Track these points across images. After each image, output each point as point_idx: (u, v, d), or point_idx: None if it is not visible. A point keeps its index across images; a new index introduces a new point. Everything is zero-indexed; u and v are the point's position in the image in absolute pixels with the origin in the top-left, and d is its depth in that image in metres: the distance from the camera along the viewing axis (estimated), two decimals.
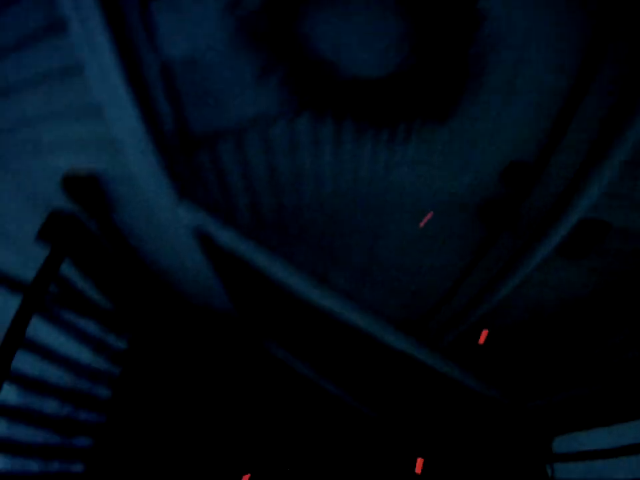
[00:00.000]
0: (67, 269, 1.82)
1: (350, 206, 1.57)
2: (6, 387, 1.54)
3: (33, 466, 2.13)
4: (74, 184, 1.49)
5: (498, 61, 1.26)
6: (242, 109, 1.42)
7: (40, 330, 1.73)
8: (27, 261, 2.27)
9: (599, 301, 1.53)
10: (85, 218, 1.64)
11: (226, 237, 1.42)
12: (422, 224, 1.48)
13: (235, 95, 1.42)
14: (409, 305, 1.74)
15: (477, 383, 1.21)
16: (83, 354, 2.31)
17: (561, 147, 1.31)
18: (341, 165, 1.47)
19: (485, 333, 1.60)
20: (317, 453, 2.20)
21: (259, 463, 2.16)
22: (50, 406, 2.20)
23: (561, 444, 2.17)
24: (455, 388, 1.27)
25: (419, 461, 1.89)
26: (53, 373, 2.28)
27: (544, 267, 1.42)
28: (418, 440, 2.10)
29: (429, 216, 1.48)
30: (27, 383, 1.67)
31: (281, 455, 2.19)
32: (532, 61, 1.25)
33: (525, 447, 2.08)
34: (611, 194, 1.29)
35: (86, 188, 1.48)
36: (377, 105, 1.31)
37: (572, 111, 1.25)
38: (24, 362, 1.75)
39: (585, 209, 1.30)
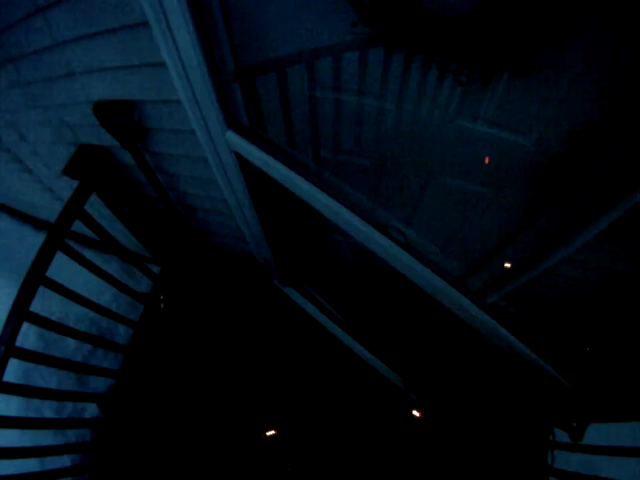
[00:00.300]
0: (95, 207, 1.73)
1: (409, 149, 1.48)
2: (24, 328, 1.48)
3: (47, 411, 2.13)
4: (107, 111, 1.35)
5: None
6: (306, 36, 1.29)
7: (62, 268, 1.65)
8: (54, 199, 2.19)
9: None
10: (117, 149, 1.52)
11: (278, 169, 1.25)
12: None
13: (300, 20, 1.27)
14: (451, 259, 1.65)
15: (531, 353, 1.12)
16: (104, 295, 2.27)
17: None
18: (407, 104, 1.37)
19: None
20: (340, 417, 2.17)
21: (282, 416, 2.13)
22: (68, 347, 2.18)
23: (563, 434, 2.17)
24: (502, 355, 1.18)
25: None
26: (73, 313, 2.25)
27: (592, 247, 1.34)
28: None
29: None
30: (46, 324, 1.60)
31: (306, 412, 2.16)
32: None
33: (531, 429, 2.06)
34: None
35: (120, 115, 1.35)
36: (457, 44, 1.17)
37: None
38: (42, 302, 1.69)
39: None
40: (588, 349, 1.49)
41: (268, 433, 2.10)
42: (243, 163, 1.35)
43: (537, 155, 1.40)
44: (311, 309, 2.19)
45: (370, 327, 2.04)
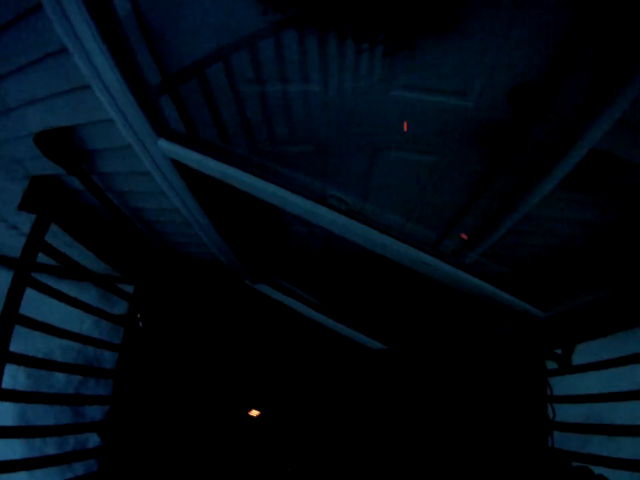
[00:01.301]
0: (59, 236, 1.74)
1: (347, 128, 1.47)
2: (13, 370, 1.48)
3: (50, 448, 2.12)
4: (48, 140, 1.36)
5: None
6: (220, 31, 1.30)
7: (41, 302, 1.65)
8: (20, 235, 2.18)
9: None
10: (66, 176, 1.53)
11: (213, 167, 1.27)
12: None
13: (211, 17, 1.27)
14: (418, 227, 1.67)
15: (505, 295, 1.16)
16: (85, 323, 2.27)
17: (572, 67, 1.21)
18: (335, 83, 1.36)
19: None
20: (325, 391, 2.19)
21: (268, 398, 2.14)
22: (58, 381, 2.18)
23: (559, 385, 2.21)
24: (478, 304, 1.21)
25: None
26: (58, 347, 2.25)
27: (557, 198, 1.36)
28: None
29: None
30: (32, 362, 1.61)
31: (291, 391, 2.18)
32: None
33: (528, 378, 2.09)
34: (626, 123, 1.21)
35: (61, 142, 1.36)
36: (369, 14, 1.18)
37: (584, 29, 1.13)
38: (27, 341, 1.69)
39: (597, 136, 1.21)
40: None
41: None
42: (182, 169, 1.37)
43: (481, 114, 1.38)
44: (286, 300, 2.23)
45: (349, 303, 2.06)
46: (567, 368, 2.06)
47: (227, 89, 1.46)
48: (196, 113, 1.51)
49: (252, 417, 2.17)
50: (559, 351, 2.01)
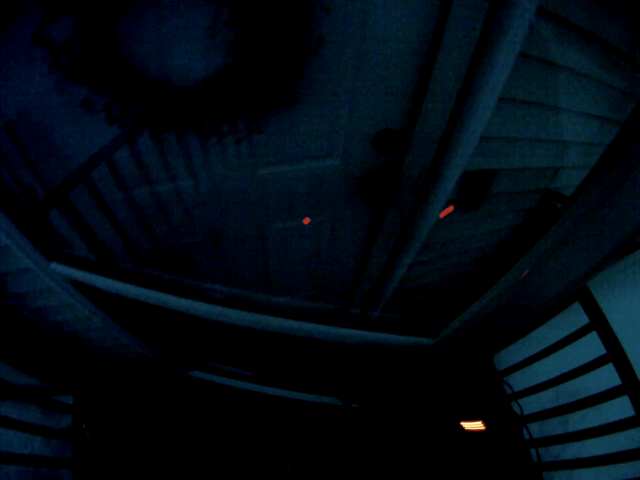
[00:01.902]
0: None
1: (227, 214, 1.48)
2: None
3: None
4: None
5: (341, 33, 1.15)
6: (82, 149, 1.30)
7: None
8: None
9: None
10: None
11: (107, 284, 1.35)
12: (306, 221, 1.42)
13: (71, 137, 1.29)
14: (325, 296, 1.69)
15: (402, 338, 1.24)
16: (35, 440, 2.18)
17: (426, 103, 1.24)
18: (202, 175, 1.37)
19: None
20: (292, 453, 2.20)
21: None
22: None
23: (502, 359, 2.28)
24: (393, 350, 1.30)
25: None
26: (13, 471, 2.15)
27: (443, 225, 1.39)
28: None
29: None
30: None
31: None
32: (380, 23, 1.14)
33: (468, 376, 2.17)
34: (487, 138, 1.27)
35: None
36: (214, 105, 1.18)
37: (430, 68, 1.18)
38: None
39: (465, 160, 1.26)
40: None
41: None
42: (79, 285, 1.39)
43: (352, 168, 1.41)
44: (222, 380, 2.28)
45: (287, 370, 2.07)
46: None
47: (102, 201, 1.43)
48: (81, 227, 1.50)
49: None
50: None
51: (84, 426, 2.11)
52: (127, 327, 1.87)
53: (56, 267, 1.38)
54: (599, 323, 1.93)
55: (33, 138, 1.30)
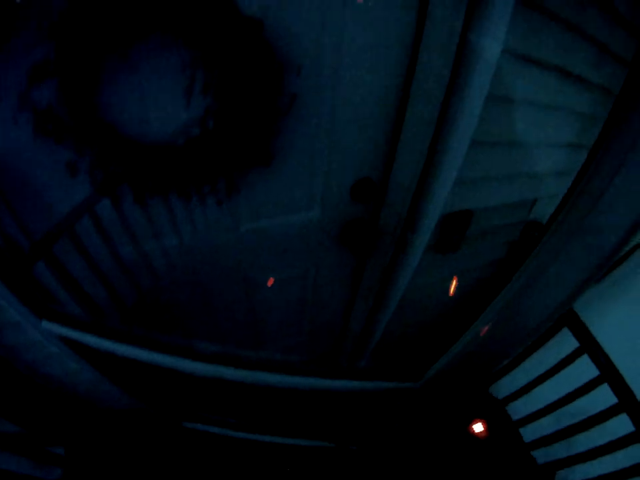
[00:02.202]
0: None
1: (214, 271, 1.49)
2: None
3: None
4: None
5: (313, 90, 1.19)
6: (67, 205, 1.33)
7: None
8: None
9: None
10: None
11: (97, 342, 1.40)
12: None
13: (57, 194, 1.33)
14: (313, 344, 1.69)
15: (389, 383, 1.25)
16: None
17: (399, 153, 1.29)
18: (186, 234, 1.39)
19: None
20: None
21: None
22: None
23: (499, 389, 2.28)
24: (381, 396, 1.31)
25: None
26: None
27: (424, 270, 1.41)
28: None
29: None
30: None
31: None
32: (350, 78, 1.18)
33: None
34: (461, 181, 1.30)
35: None
36: (193, 168, 1.21)
37: (400, 118, 1.23)
38: None
39: (441, 204, 1.29)
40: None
41: None
42: (69, 341, 1.42)
43: (331, 219, 1.44)
44: (223, 431, 2.25)
45: (282, 417, 2.05)
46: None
47: (88, 256, 1.45)
48: (67, 281, 1.50)
49: None
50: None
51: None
52: (116, 381, 1.85)
53: (46, 325, 1.41)
54: (589, 346, 1.94)
55: (19, 192, 1.32)
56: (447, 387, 1.56)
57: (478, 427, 2.05)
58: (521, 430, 2.21)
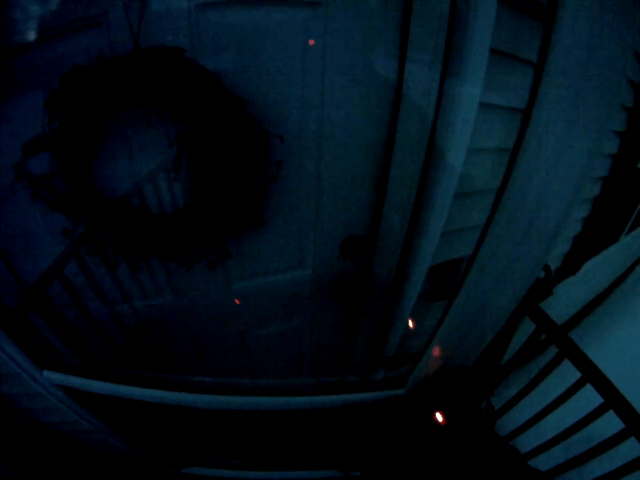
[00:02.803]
0: None
1: (205, 325, 1.53)
2: None
3: None
4: None
5: (298, 156, 1.24)
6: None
7: None
8: None
9: None
10: None
11: (99, 387, 1.57)
12: None
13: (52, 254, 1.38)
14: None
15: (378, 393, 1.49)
16: None
17: (386, 209, 1.32)
18: (178, 294, 1.44)
19: None
20: None
21: None
22: None
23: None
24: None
25: None
26: None
27: (418, 316, 1.43)
28: None
29: None
30: None
31: None
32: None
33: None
34: (448, 232, 1.32)
35: None
36: (184, 234, 1.24)
37: (385, 176, 1.26)
38: None
39: (429, 257, 1.32)
40: None
41: None
42: (70, 390, 1.58)
43: (322, 275, 1.47)
44: (218, 472, 2.25)
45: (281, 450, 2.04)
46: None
47: (84, 309, 1.50)
48: (62, 328, 1.54)
49: None
50: None
51: None
52: (117, 429, 1.88)
53: (48, 374, 1.46)
54: (591, 375, 1.93)
55: (16, 250, 1.38)
56: (437, 393, 1.60)
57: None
58: (530, 462, 2.16)
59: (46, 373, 1.55)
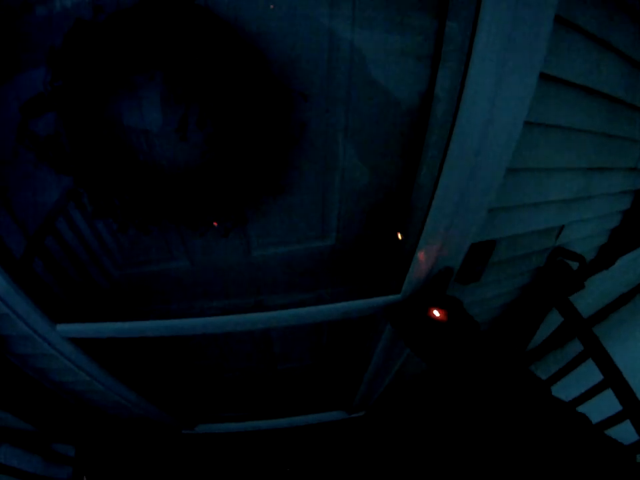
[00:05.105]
0: None
1: (221, 290, 1.46)
2: None
3: None
4: None
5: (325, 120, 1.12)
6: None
7: None
8: None
9: None
10: None
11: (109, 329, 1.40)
12: None
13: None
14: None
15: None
16: None
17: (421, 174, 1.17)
18: (194, 255, 1.38)
19: None
20: None
21: None
22: None
23: None
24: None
25: None
26: None
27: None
28: None
29: None
30: None
31: None
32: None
33: None
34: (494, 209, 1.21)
35: None
36: (201, 199, 1.15)
37: (423, 128, 1.11)
38: None
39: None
40: None
41: None
42: (83, 343, 1.47)
43: (345, 246, 1.38)
44: (231, 426, 2.27)
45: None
46: None
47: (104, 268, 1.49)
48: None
49: None
50: None
51: (84, 478, 2.10)
52: (130, 385, 1.82)
53: (63, 327, 1.37)
54: (613, 380, 1.82)
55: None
56: None
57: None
58: None
59: (60, 327, 1.41)
